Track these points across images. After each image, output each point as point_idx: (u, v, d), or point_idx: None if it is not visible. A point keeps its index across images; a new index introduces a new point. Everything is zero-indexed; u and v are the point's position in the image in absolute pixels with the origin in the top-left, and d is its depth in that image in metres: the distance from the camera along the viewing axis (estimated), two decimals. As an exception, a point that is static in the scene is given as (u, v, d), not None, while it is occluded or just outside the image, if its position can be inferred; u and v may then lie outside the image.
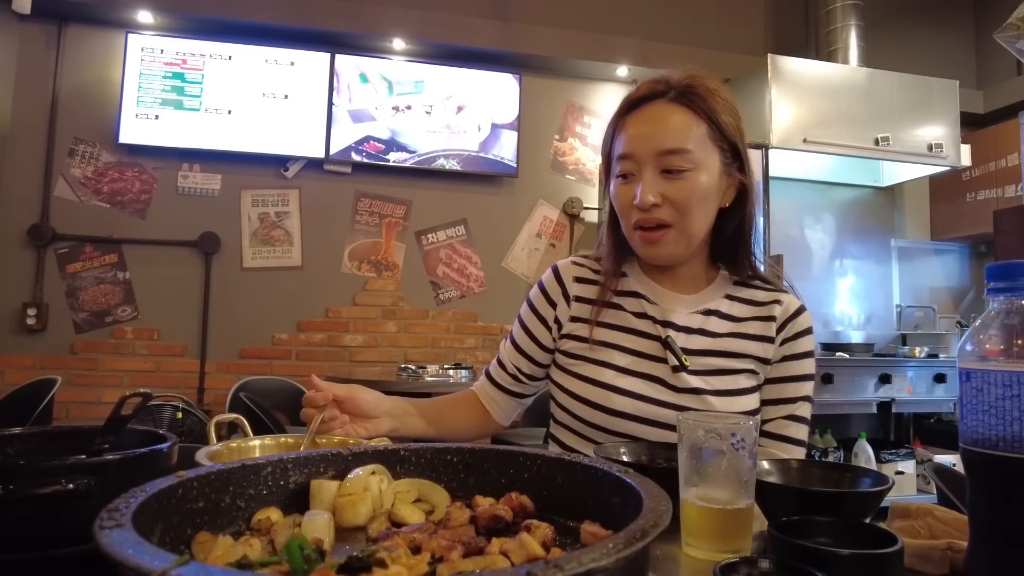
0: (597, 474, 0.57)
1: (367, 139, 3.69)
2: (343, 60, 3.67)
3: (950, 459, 2.90)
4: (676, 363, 1.05)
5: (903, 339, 4.02)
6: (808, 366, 1.11)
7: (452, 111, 3.79)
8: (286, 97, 3.60)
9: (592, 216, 4.01)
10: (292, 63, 3.62)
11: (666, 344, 1.06)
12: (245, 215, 3.63)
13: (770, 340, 1.09)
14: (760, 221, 3.38)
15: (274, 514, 0.55)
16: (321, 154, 3.62)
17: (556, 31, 3.87)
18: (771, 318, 1.10)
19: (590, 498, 0.56)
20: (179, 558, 0.34)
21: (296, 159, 3.67)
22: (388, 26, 3.66)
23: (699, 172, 1.01)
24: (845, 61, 3.83)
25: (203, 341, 3.53)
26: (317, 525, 0.52)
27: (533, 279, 3.45)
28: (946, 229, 4.29)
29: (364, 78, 3.70)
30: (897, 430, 3.86)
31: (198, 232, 3.54)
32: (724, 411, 1.03)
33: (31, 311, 3.33)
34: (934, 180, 4.21)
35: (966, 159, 3.78)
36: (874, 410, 3.37)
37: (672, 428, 0.97)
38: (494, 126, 3.82)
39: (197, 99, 3.51)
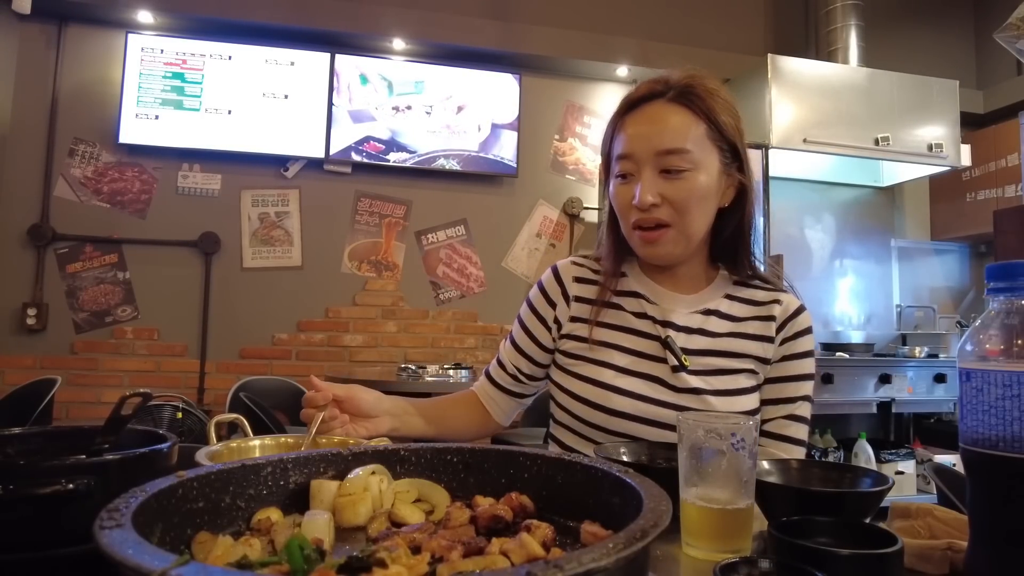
0: (597, 474, 0.57)
1: (367, 139, 3.69)
2: (343, 60, 3.67)
3: (950, 459, 2.90)
4: (676, 363, 1.05)
5: (903, 339, 4.02)
6: (808, 366, 1.11)
7: (452, 111, 3.79)
8: (286, 97, 3.60)
9: (592, 216, 4.01)
10: (292, 63, 3.62)
11: (666, 344, 1.06)
12: (245, 215, 3.63)
13: (770, 340, 1.09)
14: (760, 221, 3.38)
15: (274, 514, 0.55)
16: (321, 154, 3.62)
17: (556, 31, 3.87)
18: (771, 318, 1.10)
19: (590, 498, 0.56)
20: (179, 558, 0.34)
21: (296, 159, 3.67)
22: (388, 26, 3.66)
23: (698, 172, 1.01)
24: (845, 61, 3.83)
25: (203, 341, 3.53)
26: (317, 525, 0.52)
27: (533, 279, 3.44)
28: (946, 229, 4.29)
29: (364, 78, 3.70)
30: (897, 430, 3.86)
31: (198, 232, 3.54)
32: (724, 411, 1.03)
33: (31, 311, 3.33)
34: (934, 180, 4.21)
35: (966, 159, 3.78)
36: (874, 410, 3.37)
37: (672, 428, 0.97)
38: (494, 126, 3.82)
39: (197, 99, 3.51)
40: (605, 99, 4.05)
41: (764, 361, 1.09)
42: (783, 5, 4.33)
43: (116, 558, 0.35)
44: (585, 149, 4.05)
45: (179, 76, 3.50)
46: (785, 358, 1.10)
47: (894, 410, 3.45)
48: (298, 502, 0.58)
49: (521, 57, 3.86)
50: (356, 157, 3.67)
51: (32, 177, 3.41)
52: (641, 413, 1.04)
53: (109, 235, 3.47)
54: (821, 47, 3.96)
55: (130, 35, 3.45)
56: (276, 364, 3.59)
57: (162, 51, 3.49)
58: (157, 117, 3.46)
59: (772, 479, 0.71)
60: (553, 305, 1.16)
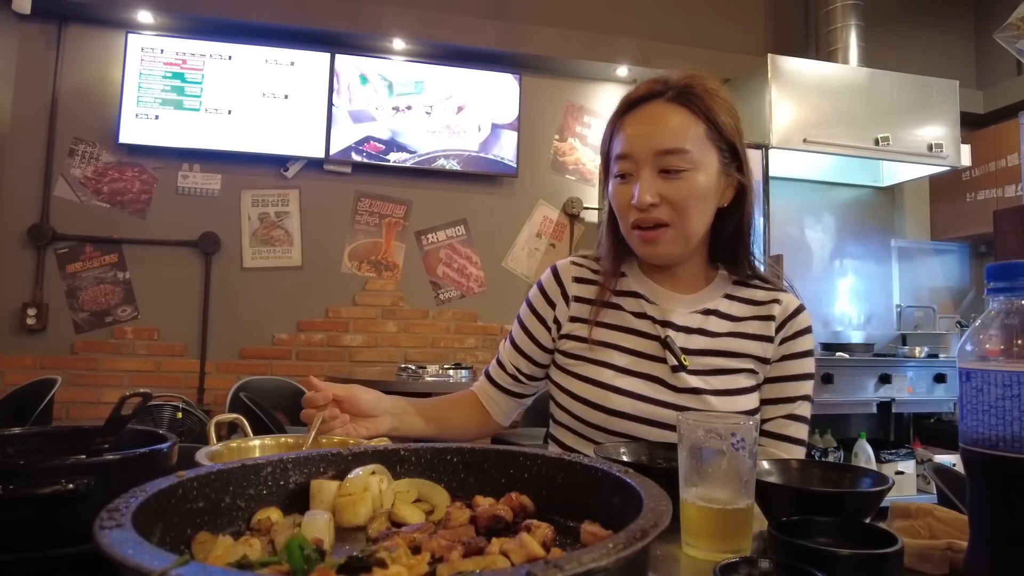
0: (597, 474, 0.57)
1: (367, 139, 3.69)
2: (343, 60, 3.67)
3: (950, 459, 2.90)
4: (675, 363, 1.05)
5: (903, 339, 4.02)
6: (807, 365, 1.11)
7: (452, 111, 3.79)
8: (286, 97, 3.60)
9: (592, 216, 4.01)
10: (292, 63, 3.62)
11: (665, 344, 1.06)
12: (245, 215, 3.63)
13: (769, 339, 1.09)
14: (760, 221, 3.38)
15: (274, 514, 0.55)
16: (321, 154, 3.62)
17: (556, 31, 3.87)
18: (770, 317, 1.10)
19: (590, 498, 0.56)
20: (179, 558, 0.34)
21: (296, 159, 3.67)
22: (388, 26, 3.66)
23: (697, 172, 1.01)
24: (845, 61, 3.83)
25: (203, 341, 3.53)
26: (317, 525, 0.52)
27: (533, 279, 3.44)
28: (946, 229, 4.29)
29: (364, 79, 3.70)
30: (897, 430, 3.86)
31: (198, 232, 3.54)
32: (723, 411, 1.03)
33: (31, 311, 3.33)
34: (934, 180, 4.21)
35: (966, 159, 3.78)
36: (874, 410, 3.37)
37: (672, 428, 0.97)
38: (494, 126, 3.82)
39: (197, 99, 3.51)
40: (605, 99, 4.05)
41: (764, 361, 1.09)
42: (783, 5, 4.33)
43: (116, 558, 0.35)
44: (585, 149, 4.05)
45: (179, 76, 3.50)
46: (785, 357, 1.10)
47: (894, 410, 3.45)
48: (298, 502, 0.58)
49: (521, 57, 3.86)
50: (356, 157, 3.67)
51: (32, 177, 3.41)
52: (641, 413, 1.04)
53: (109, 235, 3.47)
54: (821, 47, 3.96)
55: (130, 35, 3.45)
56: (276, 364, 3.59)
57: (162, 51, 3.49)
58: (157, 117, 3.46)
59: (772, 479, 0.71)
60: (553, 305, 1.16)
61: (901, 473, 3.39)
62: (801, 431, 1.09)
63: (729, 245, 1.12)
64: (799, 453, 1.08)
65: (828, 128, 3.50)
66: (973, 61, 4.59)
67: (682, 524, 0.64)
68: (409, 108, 3.74)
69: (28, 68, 3.45)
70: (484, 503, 0.58)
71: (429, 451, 0.65)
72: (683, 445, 0.66)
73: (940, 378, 3.42)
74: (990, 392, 0.52)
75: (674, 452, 0.69)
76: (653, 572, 0.51)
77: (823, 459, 3.05)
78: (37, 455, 0.70)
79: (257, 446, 0.86)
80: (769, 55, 3.53)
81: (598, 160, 1.14)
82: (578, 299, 1.15)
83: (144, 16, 3.44)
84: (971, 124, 4.24)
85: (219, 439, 0.86)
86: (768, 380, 1.10)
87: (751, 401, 1.07)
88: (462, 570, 0.44)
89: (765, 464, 0.74)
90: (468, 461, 0.64)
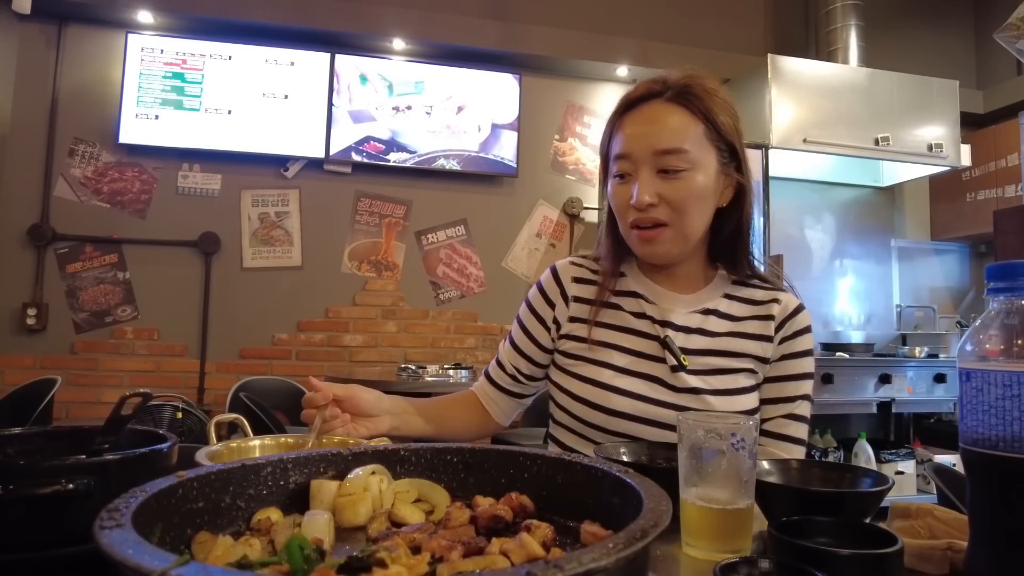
0: (597, 474, 0.57)
1: (367, 139, 3.69)
2: (343, 60, 3.67)
3: (950, 459, 2.90)
4: (675, 363, 1.05)
5: (903, 339, 4.02)
6: (807, 365, 1.11)
7: (452, 111, 3.79)
8: (286, 97, 3.60)
9: (592, 216, 4.01)
10: (292, 63, 3.62)
11: (664, 344, 1.06)
12: (245, 215, 3.63)
13: (769, 339, 1.09)
14: (760, 221, 3.39)
15: (274, 514, 0.55)
16: (321, 154, 3.62)
17: (556, 31, 3.87)
18: (770, 317, 1.10)
19: (590, 498, 0.56)
20: (179, 558, 0.34)
21: (296, 159, 3.67)
22: (388, 26, 3.66)
23: (696, 172, 1.01)
24: (845, 61, 3.83)
25: (203, 341, 3.53)
26: (317, 525, 0.52)
27: (533, 279, 3.44)
28: (946, 229, 4.29)
29: (364, 78, 3.70)
30: (897, 430, 3.86)
31: (198, 232, 3.54)
32: (723, 410, 1.03)
33: (31, 311, 3.33)
34: (934, 180, 4.21)
35: (966, 159, 3.78)
36: (874, 410, 3.37)
37: (671, 428, 0.97)
38: (494, 126, 3.82)
39: (197, 99, 3.51)
40: (605, 99, 4.05)
41: (763, 360, 1.09)
42: (783, 5, 4.33)
43: (116, 558, 0.35)
44: (585, 149, 4.05)
45: (179, 76, 3.50)
46: (784, 357, 1.10)
47: (894, 410, 3.45)
48: (298, 502, 0.58)
49: (521, 57, 3.86)
50: (356, 157, 3.67)
51: (32, 177, 3.41)
52: (640, 413, 1.04)
53: (109, 235, 3.47)
54: (821, 47, 3.96)
55: (130, 35, 3.45)
56: (276, 364, 3.59)
57: (162, 51, 3.49)
58: (157, 117, 3.46)
59: (772, 479, 0.71)
60: (552, 305, 1.16)
61: (901, 473, 3.39)
62: (801, 431, 1.09)
63: (728, 245, 1.12)
64: (799, 453, 1.08)
65: (828, 128, 3.50)
66: (973, 61, 4.59)
67: (682, 524, 0.64)
68: (409, 108, 3.74)
69: (28, 68, 3.45)
70: (484, 503, 0.58)
71: (429, 451, 0.65)
72: (683, 445, 0.66)
73: (940, 378, 3.42)
74: (990, 392, 0.52)
75: (674, 452, 0.69)
76: (653, 572, 0.51)
77: (823, 459, 3.05)
78: (37, 455, 0.70)
79: (257, 446, 0.86)
80: (769, 55, 3.53)
81: (598, 160, 1.14)
82: (577, 299, 1.15)
83: (144, 16, 3.44)
84: (971, 124, 4.24)
85: (219, 439, 0.86)
86: (768, 380, 1.10)
87: (751, 401, 1.07)
88: (462, 570, 0.44)
89: (765, 464, 0.74)
90: (468, 461, 0.64)
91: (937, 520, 0.67)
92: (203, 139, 3.50)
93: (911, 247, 4.30)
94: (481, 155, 3.81)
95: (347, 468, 0.61)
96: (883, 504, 0.67)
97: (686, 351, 1.06)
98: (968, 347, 0.54)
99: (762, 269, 1.15)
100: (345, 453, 0.63)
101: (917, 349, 3.63)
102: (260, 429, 2.21)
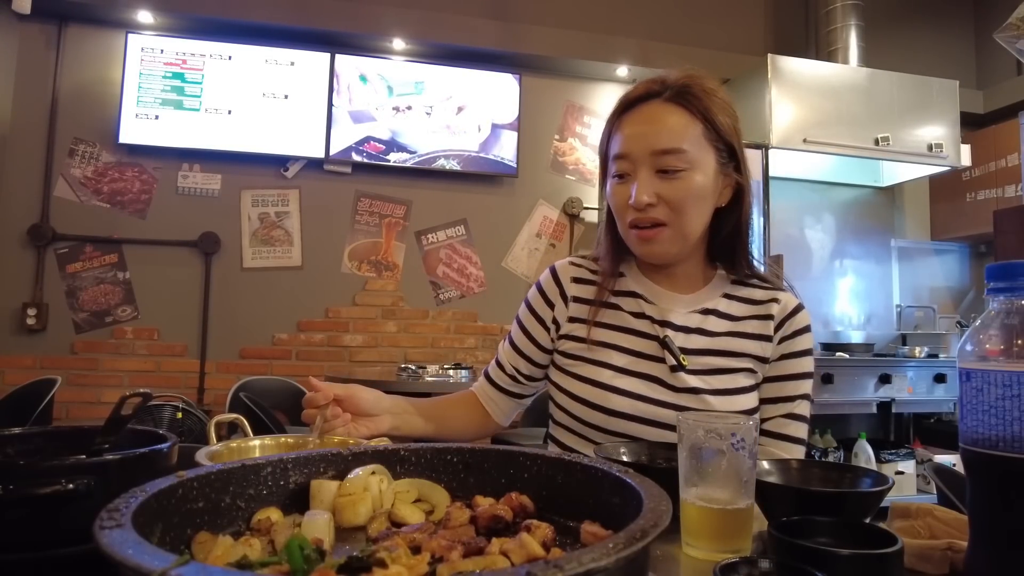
0: (597, 474, 0.57)
1: (367, 139, 3.69)
2: (343, 60, 3.67)
3: (950, 459, 2.90)
4: (674, 363, 1.05)
5: (903, 339, 4.02)
6: (807, 364, 1.11)
7: (452, 111, 3.79)
8: (286, 97, 3.60)
9: (592, 216, 4.01)
10: (292, 63, 3.62)
11: (664, 344, 1.06)
12: (245, 215, 3.63)
13: (768, 339, 1.09)
14: (760, 221, 3.39)
15: (274, 514, 0.55)
16: (321, 154, 3.62)
17: (556, 31, 3.87)
18: (769, 316, 1.10)
19: (590, 498, 0.56)
20: (179, 558, 0.34)
21: (296, 159, 3.67)
22: (388, 26, 3.66)
23: (694, 172, 1.01)
24: (845, 61, 3.83)
25: (203, 341, 3.53)
26: (317, 525, 0.52)
27: (533, 279, 3.44)
28: (946, 229, 4.29)
29: (364, 79, 3.70)
30: (897, 430, 3.86)
31: (198, 232, 3.54)
32: (723, 410, 1.03)
33: (31, 311, 3.33)
34: (934, 180, 4.21)
35: (966, 159, 3.78)
36: (874, 410, 3.37)
37: (671, 428, 0.97)
38: (494, 126, 3.82)
39: (197, 99, 3.51)
40: (605, 99, 4.05)
41: (763, 360, 1.09)
42: (783, 5, 4.33)
43: (116, 558, 0.35)
44: (585, 149, 4.05)
45: (179, 76, 3.50)
46: (784, 357, 1.10)
47: (894, 410, 3.45)
48: (298, 502, 0.58)
49: (521, 57, 3.86)
50: (356, 157, 3.67)
51: (32, 177, 3.41)
52: (640, 413, 1.04)
53: (109, 235, 3.47)
54: (821, 47, 3.96)
55: (130, 35, 3.45)
56: (276, 364, 3.59)
57: (162, 51, 3.49)
58: (157, 117, 3.46)
59: (772, 479, 0.71)
60: (551, 306, 1.16)
61: (901, 473, 3.39)
62: (801, 430, 1.09)
63: (727, 245, 1.12)
64: (799, 452, 1.08)
65: (828, 128, 3.50)
66: (973, 61, 4.59)
67: (682, 524, 0.64)
68: (409, 108, 3.74)
69: (28, 68, 3.45)
70: (484, 503, 0.58)
71: (429, 451, 0.65)
72: (683, 445, 0.66)
73: (940, 378, 3.42)
74: (990, 392, 0.52)
75: (674, 452, 0.69)
76: (653, 572, 0.51)
77: (823, 459, 3.05)
78: (37, 455, 0.70)
79: (257, 446, 0.86)
80: (769, 55, 3.53)
81: (598, 160, 1.14)
82: (577, 299, 1.15)
83: (144, 16, 3.44)
84: (971, 124, 4.24)
85: (219, 439, 0.86)
86: (767, 379, 1.10)
87: (750, 400, 1.07)
88: (462, 570, 0.44)
89: (765, 464, 0.74)
90: (468, 461, 0.64)
91: (937, 520, 0.67)
92: (203, 139, 3.50)
93: (911, 247, 4.30)
94: (481, 155, 3.81)
95: (347, 468, 0.61)
96: (883, 504, 0.66)
97: (685, 351, 1.06)
98: (968, 347, 0.54)
99: (761, 269, 1.15)
100: (345, 453, 0.63)
101: (917, 349, 3.63)
102: (260, 429, 2.21)
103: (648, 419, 1.04)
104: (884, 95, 3.63)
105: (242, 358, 3.57)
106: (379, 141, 3.70)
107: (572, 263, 1.19)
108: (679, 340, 1.07)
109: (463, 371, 3.07)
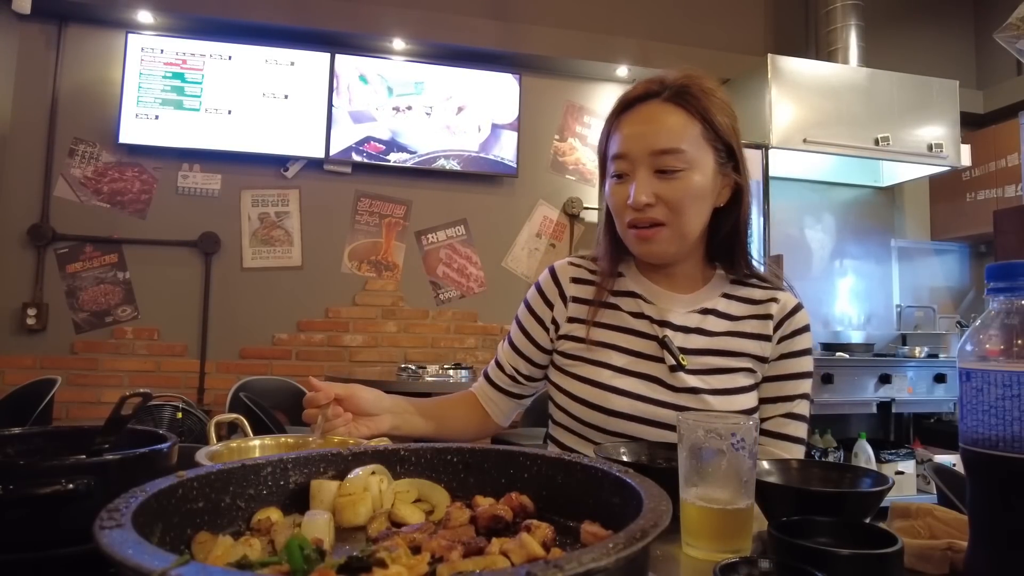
0: (597, 474, 0.57)
1: (367, 139, 3.69)
2: (343, 60, 3.67)
3: (950, 459, 2.90)
4: (673, 362, 1.05)
5: (903, 339, 4.02)
6: (806, 364, 1.11)
7: (452, 111, 3.79)
8: (286, 97, 3.60)
9: (592, 216, 4.01)
10: (292, 63, 3.62)
11: (663, 344, 1.06)
12: (245, 215, 3.63)
13: (767, 338, 1.09)
14: (760, 221, 3.38)
15: (274, 514, 0.55)
16: (321, 154, 3.62)
17: (556, 31, 3.87)
18: (768, 316, 1.10)
19: (590, 498, 0.56)
20: (179, 558, 0.34)
21: (296, 159, 3.67)
22: (388, 26, 3.66)
23: (693, 172, 1.01)
24: (845, 61, 3.83)
25: (203, 341, 3.53)
26: (317, 525, 0.52)
27: (533, 279, 3.44)
28: (946, 229, 4.29)
29: (364, 79, 3.70)
30: (897, 430, 3.86)
31: (198, 232, 3.54)
32: (722, 410, 1.03)
33: (31, 311, 3.33)
34: (934, 180, 4.21)
35: (966, 159, 3.78)
36: (874, 410, 3.37)
37: (670, 428, 0.97)
38: (494, 126, 3.82)
39: (197, 99, 3.51)
40: (605, 99, 4.05)
41: (762, 360, 1.09)
42: (783, 5, 4.33)
43: (116, 558, 0.35)
44: (585, 149, 4.05)
45: (179, 76, 3.50)
46: (783, 356, 1.10)
47: (894, 410, 3.45)
48: (298, 502, 0.58)
49: (521, 57, 3.86)
50: (356, 157, 3.67)
51: (32, 177, 3.41)
52: (639, 413, 1.04)
53: (109, 235, 3.47)
54: (821, 47, 3.96)
55: (130, 35, 3.45)
56: (276, 364, 3.59)
57: (162, 51, 3.49)
58: (157, 117, 3.46)
59: (772, 479, 0.71)
60: (551, 306, 1.16)
61: (901, 473, 3.39)
62: (800, 430, 1.09)
63: (726, 245, 1.12)
64: (798, 452, 1.08)
65: (828, 128, 3.50)
66: (973, 61, 4.59)
67: (682, 524, 0.64)
68: (409, 108, 3.74)
69: (28, 68, 3.45)
70: (484, 503, 0.58)
71: (429, 451, 0.65)
72: (683, 445, 0.66)
73: (940, 378, 3.42)
74: (990, 392, 0.52)
75: (674, 452, 0.69)
76: (653, 572, 0.51)
77: (823, 459, 3.05)
78: (37, 455, 0.70)
79: (257, 446, 0.85)
80: (769, 55, 3.53)
81: (597, 160, 1.13)
82: (576, 299, 1.15)
83: (144, 16, 3.44)
84: (971, 124, 4.24)
85: (219, 439, 0.86)
86: (766, 379, 1.10)
87: (750, 400, 1.07)
88: (462, 570, 0.44)
89: (765, 464, 0.74)
90: (468, 461, 0.64)
91: (937, 520, 0.67)
92: (203, 139, 3.50)
93: (911, 247, 4.30)
94: (481, 155, 3.81)
95: (347, 468, 0.61)
96: (883, 504, 0.67)
97: (685, 351, 1.06)
98: (968, 347, 0.54)
99: (760, 269, 1.15)
100: (345, 453, 0.63)
101: (917, 349, 3.63)
102: (260, 429, 2.21)
103: (648, 419, 1.04)
104: (884, 95, 3.63)
105: (242, 358, 3.57)
106: (379, 141, 3.70)
107: (571, 263, 1.19)
108: (678, 340, 1.07)
109: (463, 371, 3.07)
